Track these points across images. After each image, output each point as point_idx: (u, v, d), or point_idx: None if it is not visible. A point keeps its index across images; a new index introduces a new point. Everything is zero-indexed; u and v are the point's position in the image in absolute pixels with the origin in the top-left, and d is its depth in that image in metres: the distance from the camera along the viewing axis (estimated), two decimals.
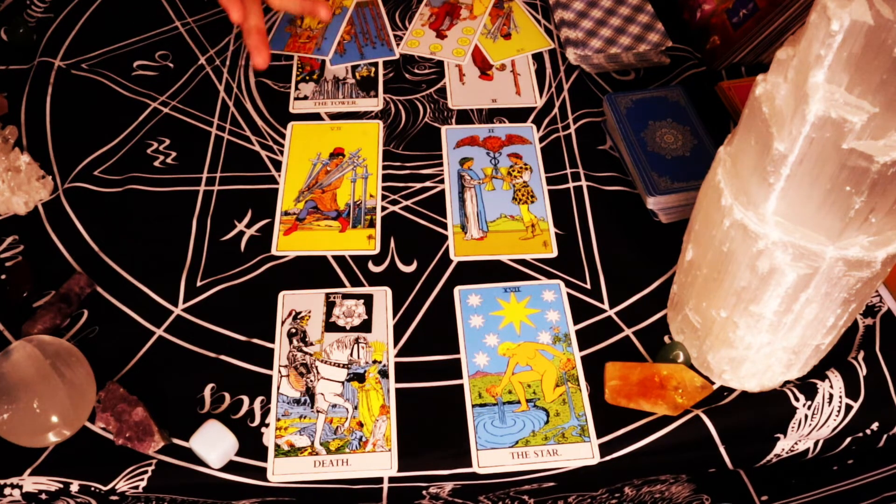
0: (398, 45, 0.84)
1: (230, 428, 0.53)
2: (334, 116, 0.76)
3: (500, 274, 0.64)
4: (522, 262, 0.65)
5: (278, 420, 0.55)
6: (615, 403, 0.56)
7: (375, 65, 0.82)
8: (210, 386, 0.57)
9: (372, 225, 0.67)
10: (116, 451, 0.53)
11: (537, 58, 0.83)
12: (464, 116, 0.77)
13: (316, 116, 0.76)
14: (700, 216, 0.53)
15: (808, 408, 0.55)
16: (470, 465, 0.54)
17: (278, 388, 0.57)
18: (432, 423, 0.56)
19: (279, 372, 0.58)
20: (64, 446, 0.53)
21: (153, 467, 0.53)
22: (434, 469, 0.54)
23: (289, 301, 0.62)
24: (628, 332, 0.61)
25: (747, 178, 0.47)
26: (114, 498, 0.52)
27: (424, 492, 0.55)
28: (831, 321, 0.51)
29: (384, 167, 0.72)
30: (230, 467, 0.53)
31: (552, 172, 0.72)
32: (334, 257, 0.65)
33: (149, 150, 0.72)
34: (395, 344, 0.60)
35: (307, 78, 0.80)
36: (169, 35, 0.83)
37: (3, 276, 0.62)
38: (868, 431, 0.56)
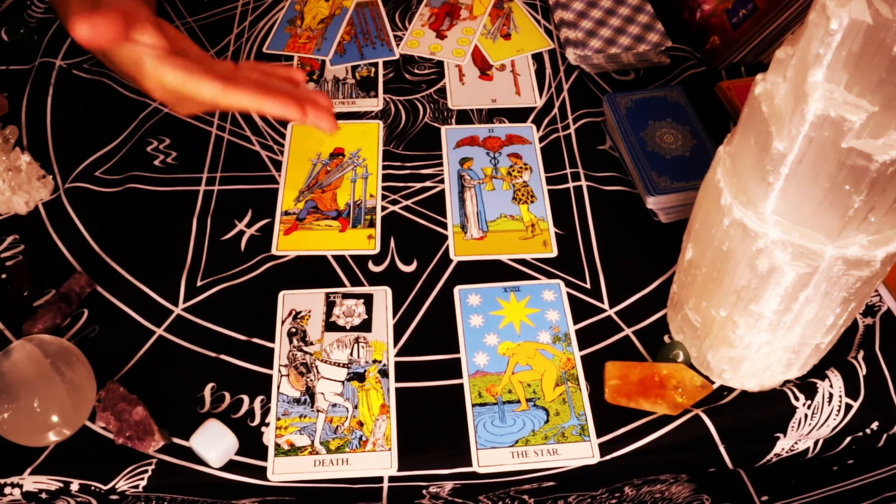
0: (398, 45, 0.84)
1: (230, 427, 0.53)
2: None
3: (500, 274, 0.64)
4: (522, 261, 0.65)
5: (278, 419, 0.55)
6: (615, 403, 0.56)
7: (375, 65, 0.82)
8: (210, 385, 0.57)
9: (372, 225, 0.67)
10: (116, 450, 0.53)
11: (537, 58, 0.83)
12: (464, 116, 0.77)
13: None
14: (700, 215, 0.53)
15: (808, 407, 0.55)
16: (470, 465, 0.54)
17: (278, 387, 0.57)
18: (432, 423, 0.56)
19: (279, 371, 0.58)
20: (64, 445, 0.53)
21: (153, 467, 0.53)
22: (434, 468, 0.54)
23: (289, 301, 0.62)
24: (628, 331, 0.61)
25: (747, 178, 0.47)
26: (114, 497, 0.52)
27: (424, 491, 0.55)
28: (831, 320, 0.51)
29: (384, 167, 0.72)
30: (230, 466, 0.53)
31: (552, 172, 0.72)
32: (334, 257, 0.65)
33: (149, 149, 0.72)
34: (395, 343, 0.60)
35: (307, 78, 0.80)
36: None
37: (4, 276, 0.62)
38: (868, 431, 0.56)
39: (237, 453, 0.54)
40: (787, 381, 0.57)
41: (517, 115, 0.77)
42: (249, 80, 0.58)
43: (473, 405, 0.57)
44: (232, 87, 0.55)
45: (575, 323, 0.61)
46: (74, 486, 0.52)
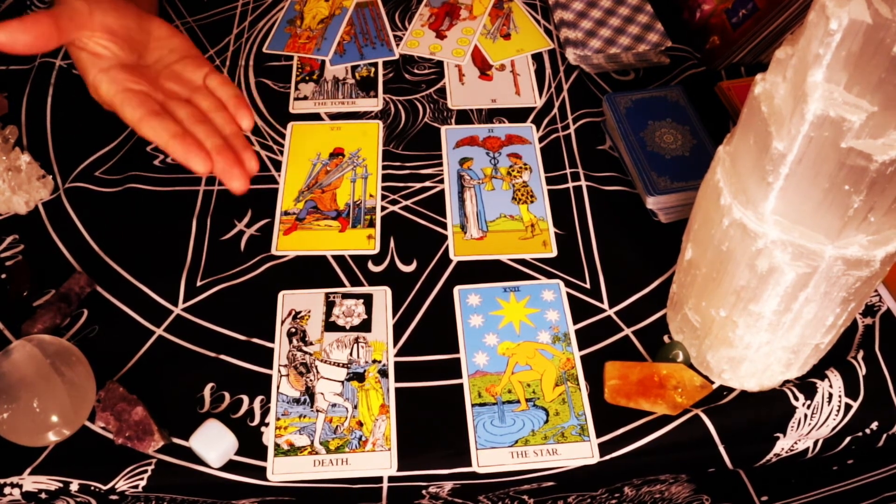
0: (398, 45, 0.84)
1: (230, 427, 0.53)
2: (334, 116, 0.76)
3: (499, 274, 0.64)
4: (522, 261, 0.65)
5: (278, 419, 0.55)
6: (615, 403, 0.56)
7: (375, 65, 0.82)
8: (210, 385, 0.57)
9: (372, 225, 0.67)
10: (116, 450, 0.53)
11: (537, 58, 0.83)
12: (463, 116, 0.77)
13: (316, 116, 0.76)
14: (699, 215, 0.53)
15: (808, 407, 0.55)
16: (469, 465, 0.54)
17: (278, 387, 0.57)
18: (432, 423, 0.56)
19: (279, 371, 0.58)
20: (64, 446, 0.53)
21: (153, 467, 0.53)
22: (434, 468, 0.54)
23: (288, 301, 0.62)
24: (628, 331, 0.61)
25: (746, 178, 0.47)
26: (113, 497, 0.52)
27: (424, 491, 0.55)
28: (830, 320, 0.51)
29: (384, 167, 0.72)
30: (230, 467, 0.53)
31: (552, 172, 0.72)
32: (334, 257, 0.65)
33: (149, 149, 0.72)
34: (395, 343, 0.60)
35: (307, 78, 0.80)
36: None
37: (4, 276, 0.62)
38: (868, 431, 0.56)
39: (237, 453, 0.54)
40: (786, 381, 0.57)
41: (517, 115, 0.77)
42: (178, 114, 0.58)
43: (473, 405, 0.57)
44: (151, 119, 0.55)
45: (574, 323, 0.61)
46: (74, 486, 0.52)
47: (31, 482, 0.52)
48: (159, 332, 0.60)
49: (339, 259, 0.65)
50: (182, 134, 0.56)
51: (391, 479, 0.54)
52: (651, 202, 0.67)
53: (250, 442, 0.54)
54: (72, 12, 0.56)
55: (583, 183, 0.71)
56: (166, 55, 0.61)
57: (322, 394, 0.57)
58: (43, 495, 0.52)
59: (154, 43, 0.61)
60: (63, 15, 0.55)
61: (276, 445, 0.54)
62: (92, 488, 0.52)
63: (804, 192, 0.44)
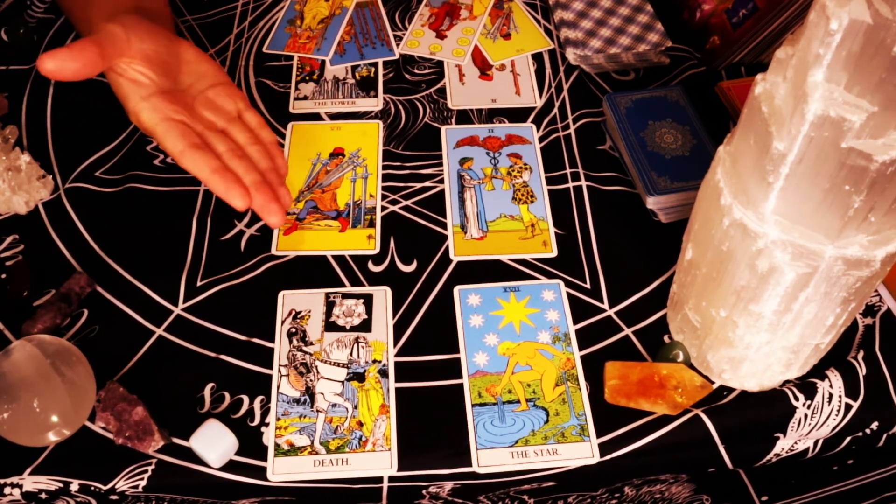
0: (398, 45, 0.84)
1: (230, 427, 0.53)
2: (334, 116, 0.76)
3: (499, 274, 0.64)
4: (522, 261, 0.65)
5: (278, 419, 0.55)
6: (615, 403, 0.56)
7: (375, 65, 0.82)
8: (210, 385, 0.57)
9: (372, 225, 0.67)
10: (116, 450, 0.53)
11: (537, 58, 0.83)
12: (463, 116, 0.77)
13: (316, 116, 0.76)
14: (699, 216, 0.53)
15: (808, 407, 0.55)
16: (470, 465, 0.54)
17: (278, 387, 0.57)
18: (432, 423, 0.56)
19: (279, 371, 0.58)
20: (64, 446, 0.53)
21: (153, 467, 0.53)
22: (434, 468, 0.54)
23: (289, 301, 0.62)
24: (628, 331, 0.61)
25: (746, 178, 0.47)
26: (114, 497, 0.52)
27: (424, 491, 0.55)
28: (831, 320, 0.51)
29: (384, 167, 0.72)
30: (230, 467, 0.53)
31: (552, 172, 0.72)
32: (334, 257, 0.65)
33: (149, 149, 0.72)
34: (395, 343, 0.60)
35: (307, 78, 0.80)
36: None
37: (4, 276, 0.62)
38: (868, 431, 0.56)
39: (237, 453, 0.54)
40: (786, 381, 0.57)
41: (517, 115, 0.77)
42: (217, 147, 0.59)
43: (473, 405, 0.57)
44: (193, 152, 0.57)
45: (575, 323, 0.61)
46: (74, 487, 0.52)
47: (31, 482, 0.52)
48: (159, 332, 0.60)
49: (340, 259, 0.65)
50: (222, 169, 0.57)
51: (391, 479, 0.54)
52: (651, 202, 0.67)
53: (250, 442, 0.54)
54: (112, 38, 0.57)
55: (583, 183, 0.71)
56: (197, 81, 0.62)
57: (322, 394, 0.57)
58: (43, 495, 0.52)
59: (184, 67, 0.62)
60: (105, 41, 0.56)
61: (277, 445, 0.54)
62: (92, 488, 0.52)
63: (804, 192, 0.44)
